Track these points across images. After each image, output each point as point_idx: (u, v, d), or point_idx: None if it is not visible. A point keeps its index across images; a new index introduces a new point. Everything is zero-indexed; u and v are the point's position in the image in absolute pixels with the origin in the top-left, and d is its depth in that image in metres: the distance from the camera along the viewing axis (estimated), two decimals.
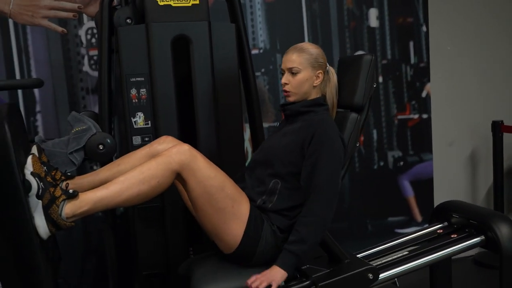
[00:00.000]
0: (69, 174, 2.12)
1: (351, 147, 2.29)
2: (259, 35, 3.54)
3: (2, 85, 2.45)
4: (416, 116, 3.87)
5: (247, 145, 3.39)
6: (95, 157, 2.36)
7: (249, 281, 2.03)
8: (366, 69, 2.31)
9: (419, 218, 3.91)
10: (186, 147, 2.03)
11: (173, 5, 2.47)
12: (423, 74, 3.86)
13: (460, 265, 3.62)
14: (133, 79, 2.46)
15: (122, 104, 2.51)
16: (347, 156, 2.27)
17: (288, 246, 2.08)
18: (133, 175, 1.96)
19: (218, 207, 2.06)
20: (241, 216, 2.11)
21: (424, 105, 3.88)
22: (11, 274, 1.87)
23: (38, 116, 3.23)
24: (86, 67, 3.28)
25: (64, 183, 1.98)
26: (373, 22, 3.75)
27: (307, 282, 2.15)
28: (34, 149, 2.04)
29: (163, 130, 2.41)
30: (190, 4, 2.49)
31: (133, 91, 2.46)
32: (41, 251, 1.86)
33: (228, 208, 2.08)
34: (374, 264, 2.35)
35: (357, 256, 2.55)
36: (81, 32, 3.27)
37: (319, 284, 2.14)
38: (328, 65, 2.33)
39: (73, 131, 2.37)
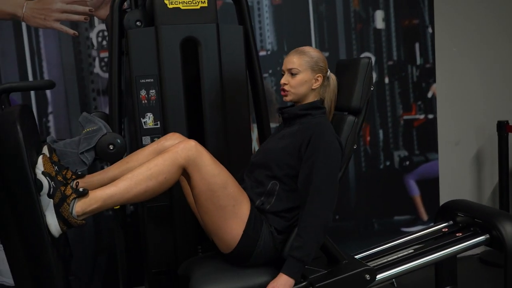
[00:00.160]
0: (79, 173, 2.13)
1: (349, 149, 2.28)
2: (267, 37, 3.55)
3: (15, 87, 2.46)
4: (422, 116, 3.86)
5: (255, 145, 3.39)
6: (106, 157, 2.37)
7: None
8: (363, 73, 2.30)
9: (425, 217, 3.90)
10: (192, 143, 2.03)
11: (182, 8, 2.48)
12: (428, 75, 3.84)
13: (466, 263, 3.61)
14: (143, 81, 2.47)
15: (132, 105, 2.52)
16: (344, 158, 2.25)
17: (292, 253, 2.07)
18: (140, 172, 1.97)
19: (219, 205, 2.06)
20: (242, 215, 2.11)
21: (430, 105, 3.86)
22: (23, 271, 1.88)
23: (50, 117, 3.25)
24: (97, 69, 3.30)
25: (75, 182, 1.99)
26: (379, 24, 3.74)
27: (304, 283, 2.15)
28: (45, 149, 2.05)
29: (172, 131, 2.40)
30: (198, 7, 2.49)
31: (143, 92, 2.47)
32: (53, 248, 1.87)
33: (229, 206, 2.08)
34: (373, 265, 2.35)
35: (360, 255, 2.56)
36: (92, 35, 3.28)
37: (316, 285, 2.13)
38: (329, 71, 2.33)
39: (84, 131, 2.38)
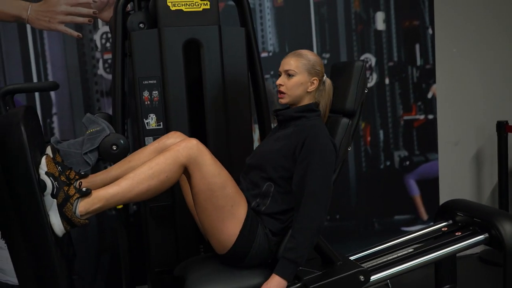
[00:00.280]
0: (82, 173, 2.13)
1: (343, 151, 2.27)
2: (269, 39, 3.55)
3: (19, 88, 2.46)
4: (422, 117, 3.86)
5: (256, 145, 3.38)
6: (109, 158, 2.37)
7: None
8: (357, 75, 2.28)
9: (425, 216, 3.89)
10: (194, 142, 2.03)
11: (185, 10, 2.48)
12: (429, 75, 3.84)
13: (465, 262, 3.60)
14: (146, 82, 2.47)
15: (135, 106, 2.52)
16: (338, 160, 2.24)
17: (285, 254, 2.07)
18: (142, 171, 1.96)
19: (217, 205, 2.06)
20: (239, 216, 2.10)
21: (430, 106, 3.86)
22: (27, 271, 1.88)
23: (54, 118, 3.26)
24: (100, 71, 3.30)
25: (78, 182, 1.99)
26: (380, 25, 3.74)
27: (299, 284, 2.14)
28: (49, 150, 2.06)
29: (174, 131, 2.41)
30: (201, 9, 2.50)
31: (146, 94, 2.47)
32: (56, 248, 1.87)
33: (227, 207, 2.07)
34: (368, 265, 2.34)
35: (358, 255, 2.55)
36: (96, 37, 3.29)
37: (310, 286, 2.12)
38: (325, 75, 2.33)
39: (87, 132, 2.39)
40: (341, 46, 3.67)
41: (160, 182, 1.97)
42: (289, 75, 2.25)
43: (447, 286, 2.79)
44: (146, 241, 2.63)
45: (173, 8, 2.47)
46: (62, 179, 1.91)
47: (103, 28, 3.29)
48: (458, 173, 4.02)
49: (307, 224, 2.07)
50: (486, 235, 2.46)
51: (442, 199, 3.79)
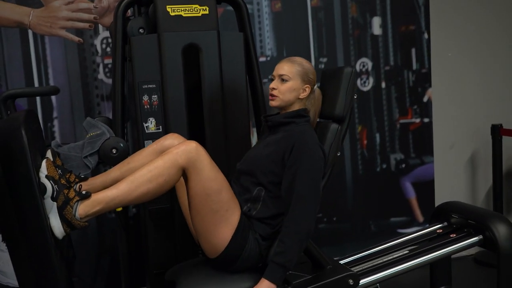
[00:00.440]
0: (82, 176, 2.13)
1: (332, 156, 2.26)
2: (267, 43, 3.55)
3: (20, 93, 2.46)
4: (417, 120, 3.86)
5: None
6: (109, 161, 2.37)
7: None
8: (346, 81, 2.28)
9: (420, 218, 3.89)
10: (193, 145, 2.02)
11: (184, 15, 2.48)
12: (424, 79, 3.84)
13: (461, 263, 3.61)
14: (145, 86, 2.47)
15: (134, 110, 2.52)
16: (327, 166, 2.24)
17: (274, 259, 2.06)
18: (141, 174, 1.96)
19: (212, 209, 2.05)
20: (232, 221, 2.09)
21: (426, 109, 3.86)
22: (27, 273, 1.88)
23: (55, 122, 3.26)
24: (101, 75, 3.30)
25: (78, 185, 1.99)
26: (377, 30, 3.75)
27: None
28: (49, 153, 2.06)
29: None
30: (200, 14, 2.50)
31: (145, 98, 2.47)
32: (56, 250, 1.87)
33: (222, 211, 2.06)
34: (359, 269, 2.34)
35: (352, 258, 2.55)
36: (97, 42, 3.29)
37: None
38: (316, 85, 2.33)
39: (88, 136, 2.39)
40: (338, 51, 3.67)
41: (159, 185, 1.97)
42: (283, 80, 2.25)
43: (442, 287, 2.80)
44: (145, 243, 2.62)
45: (172, 14, 2.47)
46: (62, 182, 1.91)
47: (104, 33, 3.29)
48: (453, 175, 4.02)
49: (296, 229, 2.06)
50: (481, 237, 2.46)
51: (438, 201, 3.79)
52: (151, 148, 2.23)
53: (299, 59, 2.30)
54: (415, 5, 3.78)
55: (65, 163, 2.24)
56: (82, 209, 1.89)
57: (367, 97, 3.74)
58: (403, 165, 3.85)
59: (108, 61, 3.29)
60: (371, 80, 3.74)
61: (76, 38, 3.26)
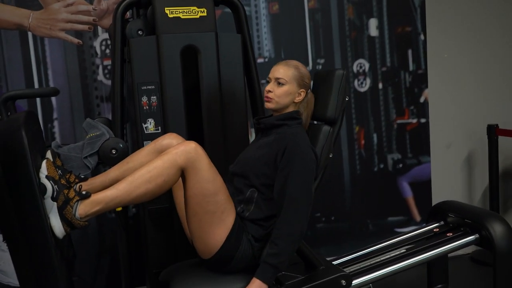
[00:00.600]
0: (82, 176, 2.13)
1: (324, 158, 2.26)
2: (264, 45, 3.55)
3: (20, 94, 2.46)
4: (414, 121, 3.86)
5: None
6: (108, 161, 2.37)
7: None
8: (338, 84, 2.28)
9: (417, 217, 3.90)
10: (192, 145, 2.01)
11: (182, 17, 2.49)
12: (421, 80, 3.85)
13: (458, 262, 3.61)
14: (144, 87, 2.47)
15: (133, 111, 2.52)
16: (320, 167, 2.24)
17: (266, 259, 2.06)
18: (140, 175, 1.96)
19: (207, 209, 2.05)
20: (227, 223, 2.09)
21: (422, 110, 3.87)
22: (27, 272, 1.88)
23: (55, 123, 3.26)
24: (100, 76, 3.31)
25: (78, 185, 1.99)
26: (373, 31, 3.75)
27: None
28: (49, 154, 2.06)
29: None
30: (198, 16, 2.50)
31: (144, 99, 2.47)
32: (56, 250, 1.88)
33: (218, 213, 2.06)
34: (353, 269, 2.34)
35: (348, 257, 2.55)
36: (96, 43, 3.29)
37: None
38: (310, 90, 2.34)
39: (87, 136, 2.39)
40: (335, 52, 3.67)
41: (158, 186, 1.97)
42: (279, 83, 2.25)
43: (439, 286, 2.80)
44: (145, 242, 2.62)
45: (170, 16, 2.47)
46: (62, 182, 1.91)
47: (103, 35, 3.29)
48: (450, 175, 4.03)
49: (288, 231, 2.06)
50: (477, 235, 2.47)
51: (435, 201, 3.79)
52: (149, 147, 2.23)
53: (295, 62, 2.30)
54: (411, 6, 3.79)
55: (65, 163, 2.24)
56: (82, 209, 1.90)
57: (365, 98, 3.75)
58: (400, 165, 3.85)
59: (108, 62, 3.30)
60: (368, 81, 3.75)
61: (76, 40, 3.27)
